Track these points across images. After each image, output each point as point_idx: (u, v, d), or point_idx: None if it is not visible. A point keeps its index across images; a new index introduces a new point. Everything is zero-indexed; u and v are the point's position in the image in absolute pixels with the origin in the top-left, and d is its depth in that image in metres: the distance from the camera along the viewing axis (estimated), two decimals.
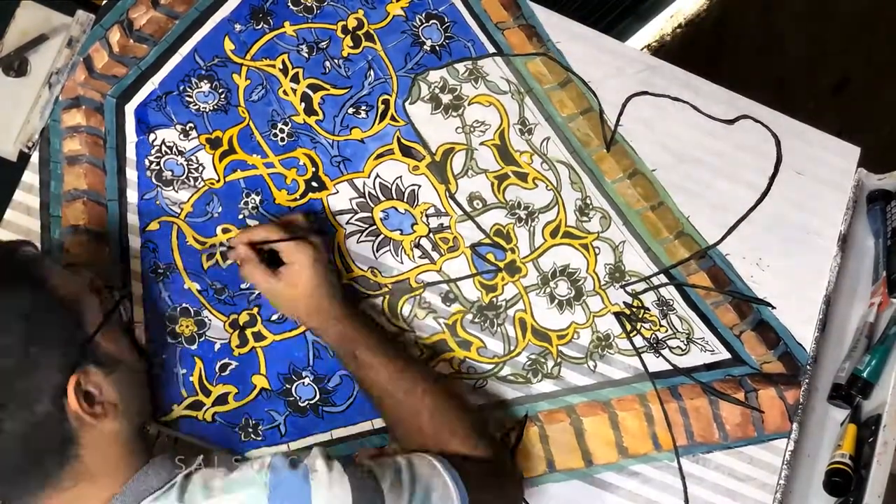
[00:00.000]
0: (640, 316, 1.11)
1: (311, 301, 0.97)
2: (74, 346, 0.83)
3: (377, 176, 1.11)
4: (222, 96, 1.10)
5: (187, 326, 1.04)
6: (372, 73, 1.13)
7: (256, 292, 1.06)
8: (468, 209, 1.11)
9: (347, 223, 1.09)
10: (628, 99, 1.16)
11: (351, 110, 1.12)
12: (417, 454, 0.89)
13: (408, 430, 0.95)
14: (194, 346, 1.04)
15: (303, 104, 1.12)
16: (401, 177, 1.11)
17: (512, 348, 1.08)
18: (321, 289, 0.97)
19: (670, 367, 1.10)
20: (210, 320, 1.05)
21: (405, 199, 1.11)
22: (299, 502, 0.79)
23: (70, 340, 0.83)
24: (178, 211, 1.07)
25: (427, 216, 1.11)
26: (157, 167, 1.08)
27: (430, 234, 1.10)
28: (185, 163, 1.08)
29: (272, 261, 0.99)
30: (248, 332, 1.05)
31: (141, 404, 0.94)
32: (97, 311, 0.88)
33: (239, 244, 1.00)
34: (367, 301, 1.07)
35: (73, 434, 0.82)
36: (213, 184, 1.08)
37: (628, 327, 1.10)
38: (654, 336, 1.10)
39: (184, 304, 1.05)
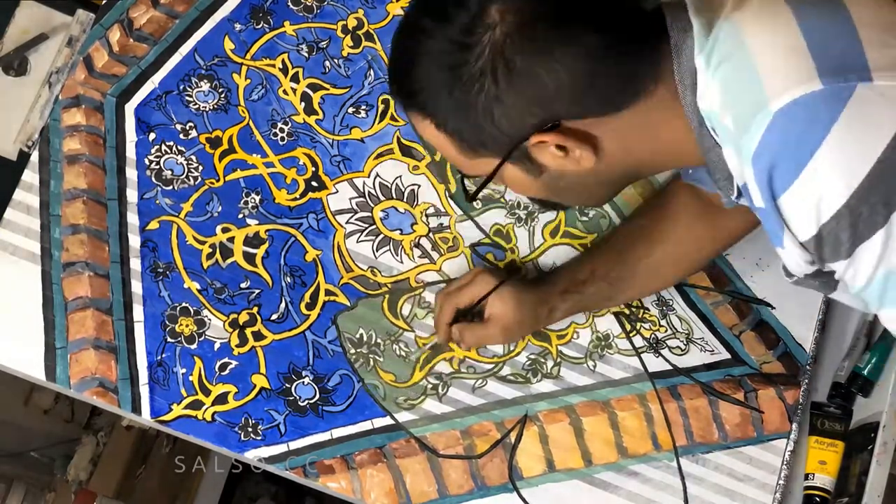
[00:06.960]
0: (640, 316, 1.11)
1: (524, 324, 1.04)
2: None
3: (377, 175, 1.11)
4: (222, 96, 1.10)
5: (187, 326, 1.04)
6: (372, 72, 1.13)
7: (257, 291, 1.06)
8: (468, 209, 1.11)
9: (347, 223, 1.09)
10: None
11: (351, 110, 1.12)
12: None
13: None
14: (194, 346, 1.04)
15: (303, 104, 1.12)
16: (401, 176, 1.11)
17: (511, 348, 1.08)
18: (526, 311, 1.03)
19: (670, 367, 1.09)
20: (210, 320, 1.05)
21: (405, 199, 1.11)
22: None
23: None
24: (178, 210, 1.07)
25: (427, 216, 1.11)
26: (157, 166, 1.08)
27: (430, 234, 1.10)
28: (185, 162, 1.08)
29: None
30: (248, 331, 1.05)
31: None
32: None
33: (444, 328, 1.04)
34: (367, 300, 1.07)
35: None
36: (213, 183, 1.08)
37: (628, 327, 1.10)
38: (653, 336, 1.10)
39: (183, 304, 1.05)
